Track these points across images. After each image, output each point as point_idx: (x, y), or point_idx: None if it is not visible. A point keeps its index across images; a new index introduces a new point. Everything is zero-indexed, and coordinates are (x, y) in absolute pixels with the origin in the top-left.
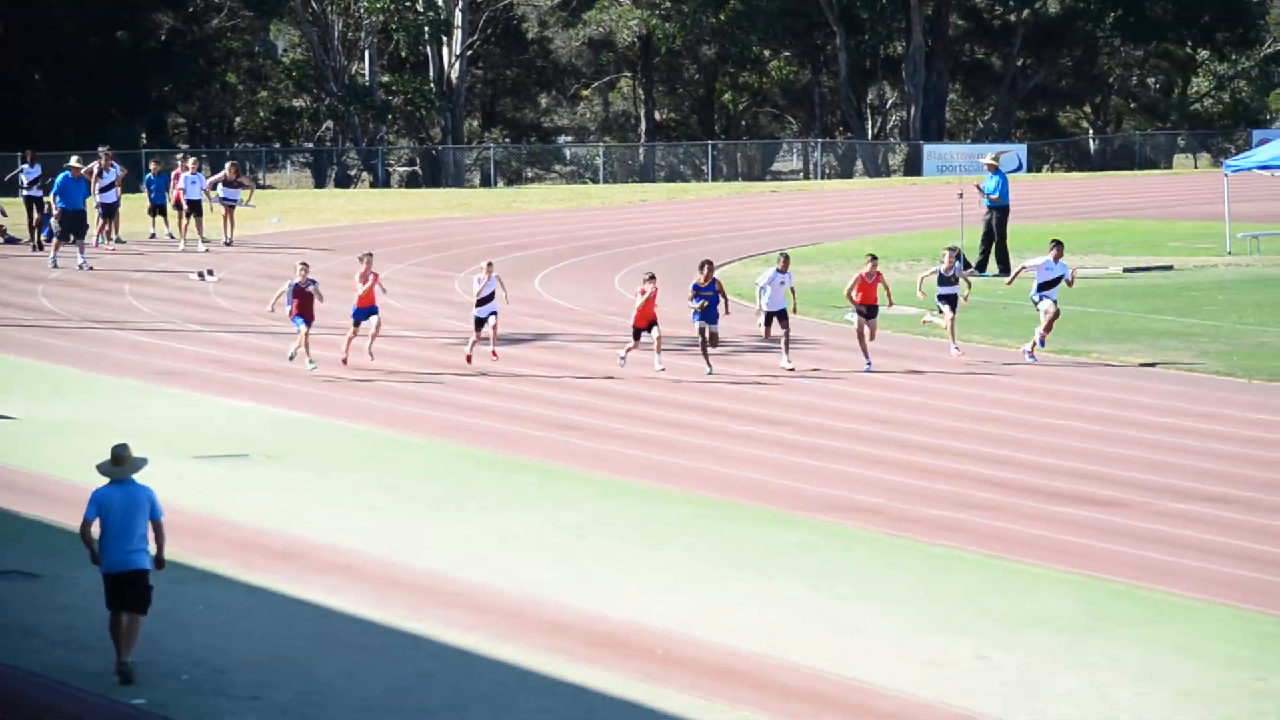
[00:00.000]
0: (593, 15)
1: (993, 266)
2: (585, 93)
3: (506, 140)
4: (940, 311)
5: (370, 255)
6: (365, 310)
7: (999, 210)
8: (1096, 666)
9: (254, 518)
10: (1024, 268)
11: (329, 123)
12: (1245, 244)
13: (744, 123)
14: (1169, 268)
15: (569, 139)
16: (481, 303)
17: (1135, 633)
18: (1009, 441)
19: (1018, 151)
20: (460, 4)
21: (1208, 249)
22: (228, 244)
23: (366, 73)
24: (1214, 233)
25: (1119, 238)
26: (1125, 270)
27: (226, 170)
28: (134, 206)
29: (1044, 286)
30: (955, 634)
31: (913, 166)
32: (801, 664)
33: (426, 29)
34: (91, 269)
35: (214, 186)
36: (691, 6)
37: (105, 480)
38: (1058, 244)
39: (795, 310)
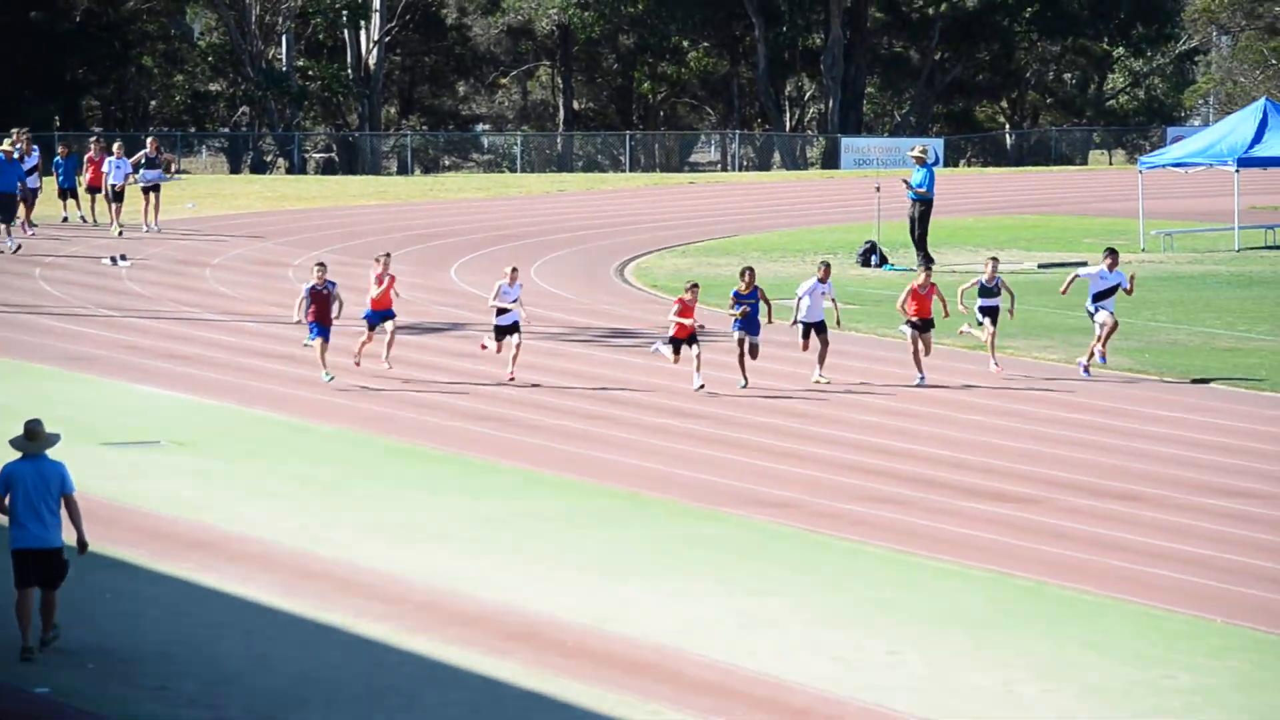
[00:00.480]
0: (511, 3)
1: (911, 260)
2: (503, 81)
3: (424, 128)
4: (980, 324)
5: (388, 255)
6: (380, 313)
7: (924, 203)
8: (1005, 663)
9: (164, 505)
10: (1076, 276)
11: (245, 108)
12: (1159, 241)
13: (662, 113)
14: (1083, 264)
15: (487, 127)
16: (502, 311)
17: (1044, 630)
18: (924, 437)
19: (935, 146)
20: None
21: (1121, 245)
22: (153, 230)
23: (283, 58)
24: (1128, 229)
25: (1034, 233)
26: (1040, 266)
27: (147, 146)
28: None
29: (1099, 297)
30: (866, 630)
31: (830, 159)
32: (713, 658)
33: (344, 14)
34: (17, 250)
35: (136, 168)
36: None
37: (17, 455)
38: (1112, 252)
39: (839, 324)
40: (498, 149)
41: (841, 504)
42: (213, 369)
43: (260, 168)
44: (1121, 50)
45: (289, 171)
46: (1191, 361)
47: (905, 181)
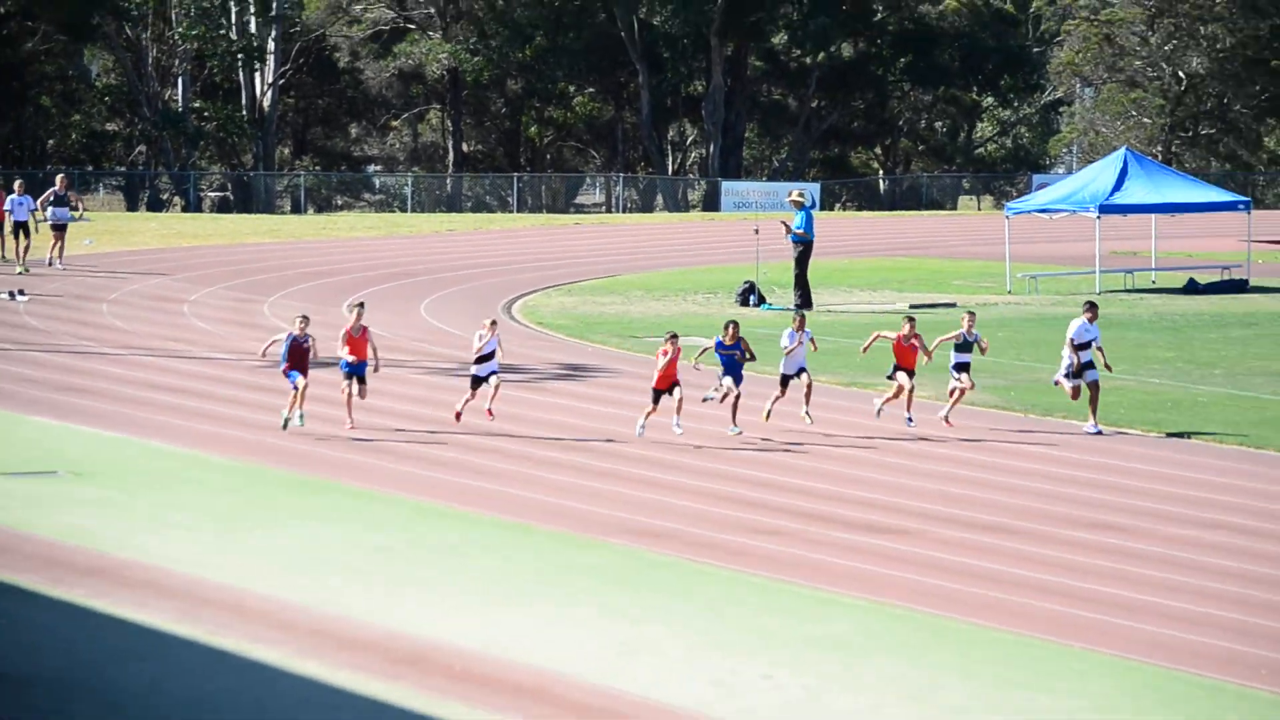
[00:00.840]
0: (403, 48)
1: (789, 299)
2: (395, 123)
3: (317, 168)
4: (957, 379)
5: (361, 305)
6: (355, 366)
7: (804, 245)
8: (874, 687)
9: (60, 534)
10: (1071, 340)
11: (142, 147)
12: (1025, 283)
13: (549, 156)
14: (953, 305)
15: (378, 168)
16: (480, 360)
17: (913, 654)
18: (800, 471)
19: (812, 190)
20: (273, 33)
21: (989, 288)
22: (57, 267)
23: (180, 99)
24: (995, 272)
25: (906, 275)
26: (911, 306)
27: (57, 184)
28: None
29: (1081, 348)
30: (742, 654)
31: (711, 202)
32: (594, 682)
33: (240, 57)
34: None
35: (45, 205)
36: (499, 42)
37: None
38: (1092, 305)
39: (815, 348)
40: (389, 189)
41: (721, 535)
42: (110, 401)
43: (157, 205)
44: (990, 100)
45: (185, 209)
46: (1054, 400)
47: (784, 224)
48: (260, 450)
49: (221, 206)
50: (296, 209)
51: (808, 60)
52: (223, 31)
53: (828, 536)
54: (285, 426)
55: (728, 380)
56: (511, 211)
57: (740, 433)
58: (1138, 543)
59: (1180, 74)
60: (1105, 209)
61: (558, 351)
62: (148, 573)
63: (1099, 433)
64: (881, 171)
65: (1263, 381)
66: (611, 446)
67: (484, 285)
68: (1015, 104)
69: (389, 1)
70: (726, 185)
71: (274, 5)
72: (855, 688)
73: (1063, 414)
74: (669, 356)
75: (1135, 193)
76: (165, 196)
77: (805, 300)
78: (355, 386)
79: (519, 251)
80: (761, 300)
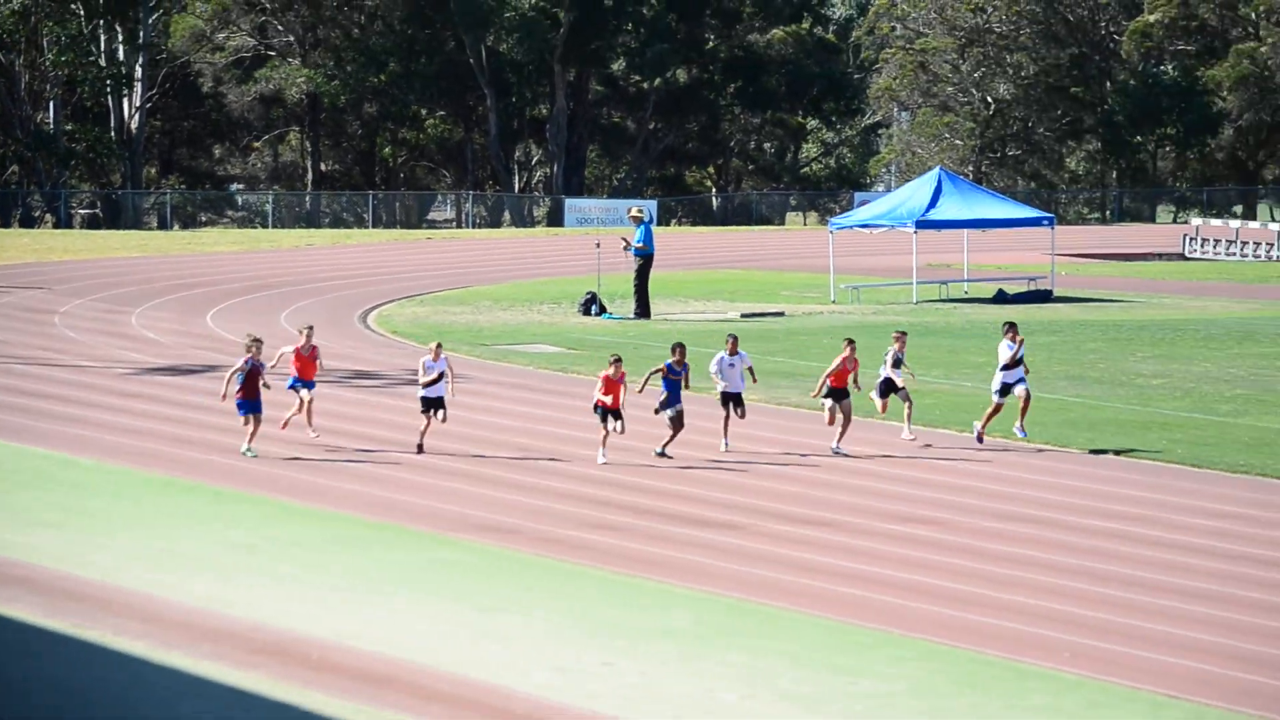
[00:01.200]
0: (264, 73)
1: (628, 309)
2: (256, 145)
3: (182, 186)
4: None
5: (311, 328)
6: (305, 383)
7: (644, 258)
8: (708, 673)
9: None
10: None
11: (15, 166)
12: (848, 294)
13: (402, 175)
14: (781, 314)
15: (241, 187)
16: (430, 384)
17: (744, 643)
18: (639, 470)
19: (649, 206)
20: (140, 59)
21: (815, 298)
22: None
23: (51, 121)
24: (820, 283)
25: (737, 286)
26: (743, 315)
27: None
28: None
29: (1007, 368)
30: (583, 643)
31: (555, 218)
32: (447, 670)
33: (109, 82)
34: None
35: None
36: (355, 68)
37: None
38: (1011, 326)
39: (755, 380)
40: (251, 206)
41: (565, 530)
42: None
43: (29, 222)
44: (814, 123)
45: (56, 226)
46: (871, 403)
47: (625, 240)
48: (124, 452)
49: (91, 223)
50: (163, 225)
51: (645, 85)
52: (92, 58)
53: (666, 532)
54: (247, 452)
55: (666, 413)
56: (367, 227)
57: (663, 454)
58: (954, 535)
59: (989, 99)
60: (921, 224)
61: (411, 358)
62: (15, 569)
63: (1025, 436)
64: (714, 189)
65: (1065, 385)
66: (463, 447)
67: (341, 296)
68: (838, 126)
69: (251, 30)
70: (570, 202)
71: (141, 34)
72: (690, 674)
73: (879, 416)
74: (607, 381)
75: (949, 209)
76: (37, 214)
77: (643, 310)
78: (306, 398)
79: (374, 265)
80: (602, 310)
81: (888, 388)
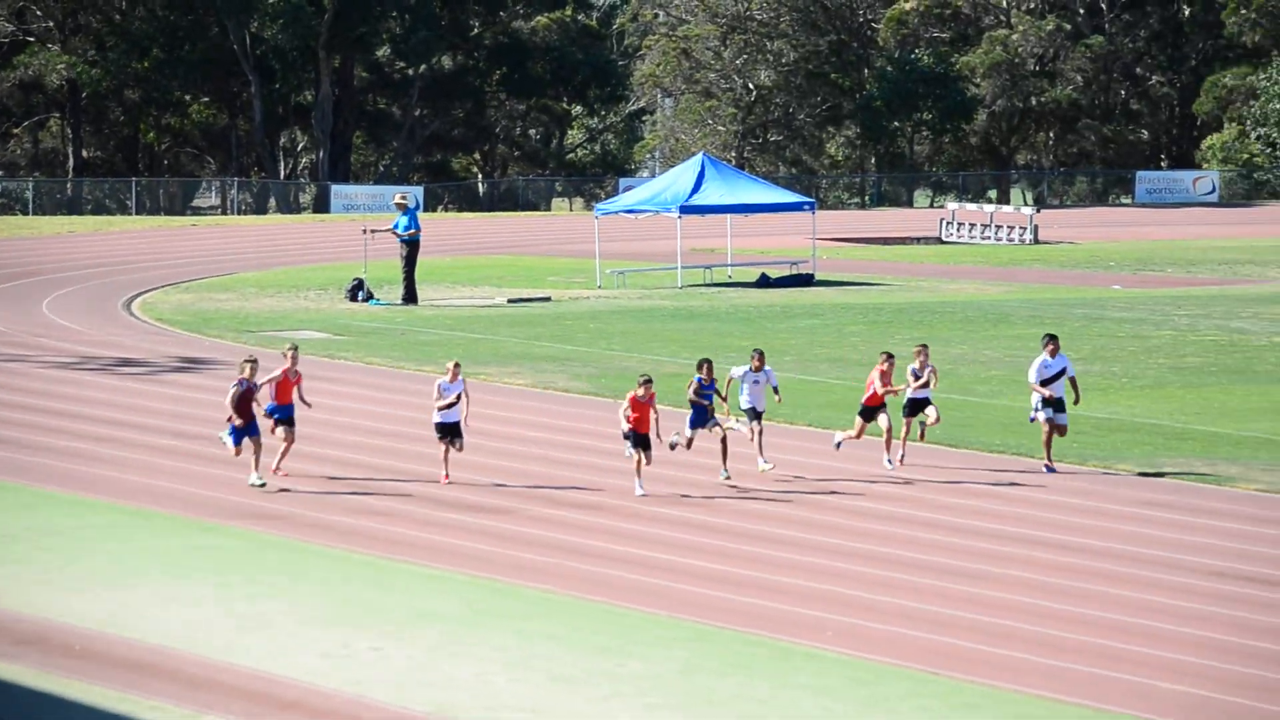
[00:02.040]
0: (23, 59)
1: (396, 295)
2: (15, 131)
3: None
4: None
5: (295, 348)
6: (283, 409)
7: (411, 244)
8: (477, 656)
9: None
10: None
11: None
12: (613, 279)
13: (166, 161)
14: (547, 299)
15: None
16: (446, 408)
17: (513, 625)
18: (409, 455)
19: (416, 193)
20: None
21: (581, 283)
22: None
23: None
24: (587, 268)
25: (504, 272)
26: (509, 301)
27: None
28: None
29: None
30: (352, 628)
31: (321, 204)
32: (211, 657)
33: None
34: None
35: None
36: (117, 54)
37: None
38: (1052, 338)
39: (779, 400)
40: (10, 193)
41: (332, 516)
42: None
43: None
44: (579, 109)
45: None
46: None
47: (392, 229)
48: None
49: None
50: None
51: (410, 72)
52: None
53: (434, 517)
54: (262, 484)
55: (692, 430)
56: (131, 214)
57: (729, 477)
58: (721, 518)
59: (751, 86)
60: (685, 209)
61: (176, 345)
62: None
63: (1052, 471)
64: (481, 175)
65: (827, 367)
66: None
67: (105, 284)
68: (602, 113)
69: (9, 15)
70: (336, 188)
71: None
72: (459, 658)
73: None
74: (635, 403)
75: (712, 194)
76: None
77: (411, 296)
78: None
79: (138, 252)
80: (370, 296)
81: (914, 407)
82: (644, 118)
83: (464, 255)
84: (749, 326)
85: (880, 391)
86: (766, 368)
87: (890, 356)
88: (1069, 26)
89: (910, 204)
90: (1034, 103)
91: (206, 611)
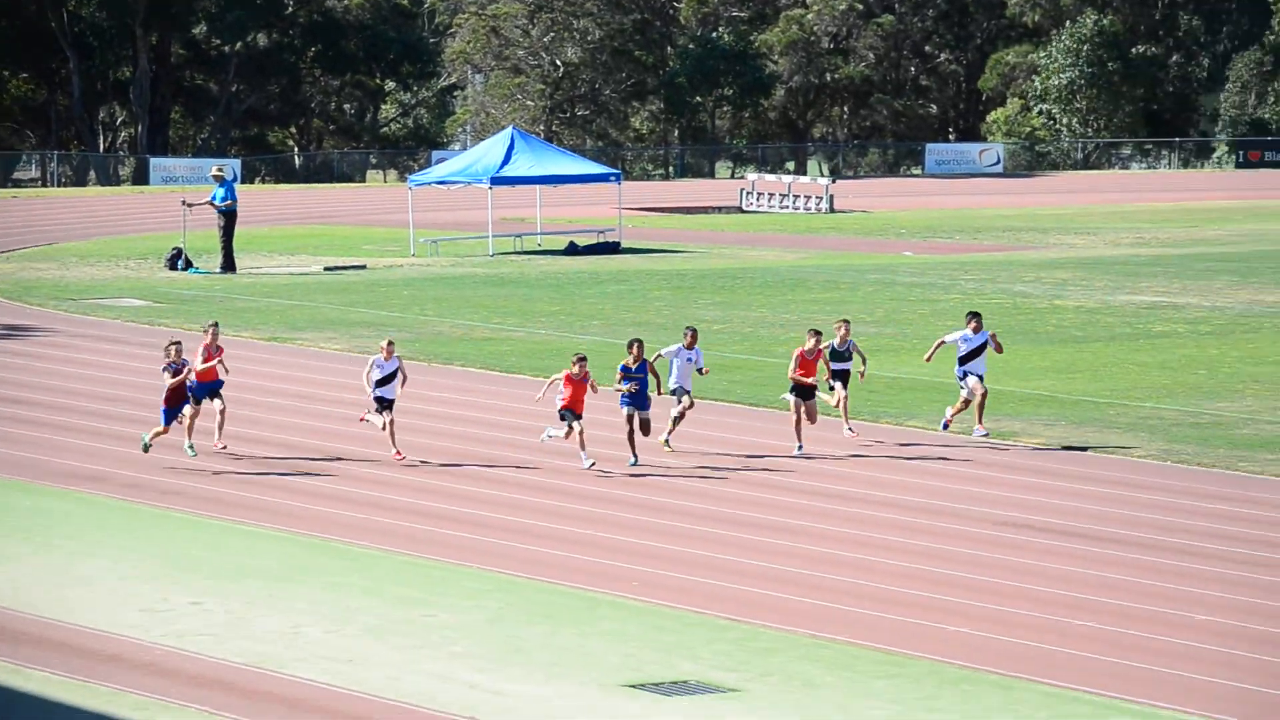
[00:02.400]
0: None
1: (213, 264)
2: None
3: None
4: (831, 389)
5: (216, 325)
6: (205, 386)
7: (228, 215)
8: (294, 609)
9: None
10: (942, 343)
11: None
12: (426, 248)
13: None
14: (363, 267)
15: None
16: (382, 383)
17: (328, 580)
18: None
19: (233, 165)
20: None
21: (395, 251)
22: None
23: None
24: (400, 238)
25: (320, 241)
26: (326, 269)
27: None
28: None
29: (965, 360)
30: (172, 584)
31: (140, 177)
32: (34, 613)
33: None
34: None
35: None
36: None
37: None
38: (975, 315)
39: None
40: None
41: (153, 476)
42: None
43: None
44: (392, 85)
45: None
46: (455, 350)
47: (210, 201)
48: None
49: None
50: None
51: (226, 49)
52: None
53: (252, 476)
54: (192, 452)
55: (685, 400)
56: None
57: (636, 463)
58: (541, 476)
59: (558, 62)
60: (496, 181)
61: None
62: None
63: (986, 435)
64: (297, 149)
65: (634, 331)
66: (49, 397)
67: None
68: (414, 88)
69: None
70: (155, 161)
71: None
72: (278, 611)
73: (460, 363)
74: (569, 380)
75: (522, 166)
76: None
77: (229, 265)
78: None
79: None
80: (189, 265)
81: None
82: (455, 93)
83: (281, 225)
84: (558, 292)
85: (798, 375)
86: (697, 346)
87: (818, 334)
88: (861, 6)
89: (712, 175)
90: (829, 79)
91: (29, 569)
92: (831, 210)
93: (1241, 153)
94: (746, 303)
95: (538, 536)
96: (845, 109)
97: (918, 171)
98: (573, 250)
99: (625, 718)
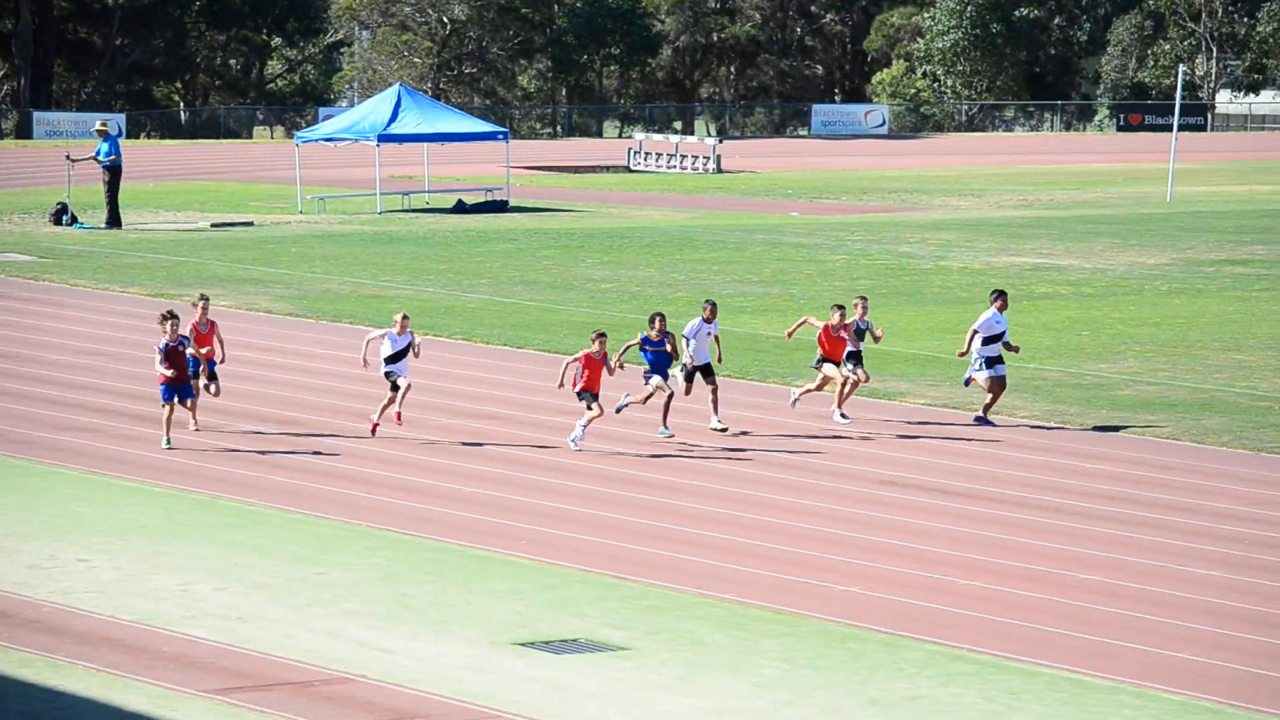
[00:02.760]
0: None
1: (98, 219)
2: None
3: None
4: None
5: (206, 299)
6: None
7: (113, 170)
8: (183, 567)
9: None
10: (975, 331)
11: None
12: (314, 205)
13: None
14: (250, 224)
15: None
16: (393, 359)
17: (217, 537)
18: (107, 372)
19: (118, 120)
20: None
21: (282, 208)
22: None
23: None
24: (288, 194)
25: (207, 197)
26: (213, 225)
27: None
28: None
29: (989, 342)
30: (59, 541)
31: (24, 131)
32: None
33: None
34: None
35: None
36: None
37: None
38: (1001, 294)
39: (720, 360)
40: None
41: (38, 433)
42: None
43: None
44: (279, 41)
45: None
46: (342, 307)
47: (94, 156)
48: None
49: None
50: None
51: (110, 2)
52: None
53: (138, 432)
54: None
55: (655, 379)
56: None
57: (672, 435)
58: (418, 432)
59: (445, 20)
60: (383, 138)
61: None
62: None
63: (986, 424)
64: (182, 104)
65: (521, 289)
66: None
67: None
68: (301, 45)
69: None
70: (38, 115)
71: None
72: (165, 568)
73: (348, 320)
74: (589, 359)
75: (409, 124)
76: None
77: (114, 220)
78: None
79: None
80: (74, 220)
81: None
82: (342, 50)
83: (167, 181)
84: (446, 250)
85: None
86: (716, 320)
87: (842, 309)
88: None
89: (600, 134)
90: (715, 39)
91: None
92: (719, 170)
93: (1122, 116)
94: (634, 262)
95: (429, 495)
96: (732, 69)
97: (804, 132)
98: (460, 209)
99: (513, 676)
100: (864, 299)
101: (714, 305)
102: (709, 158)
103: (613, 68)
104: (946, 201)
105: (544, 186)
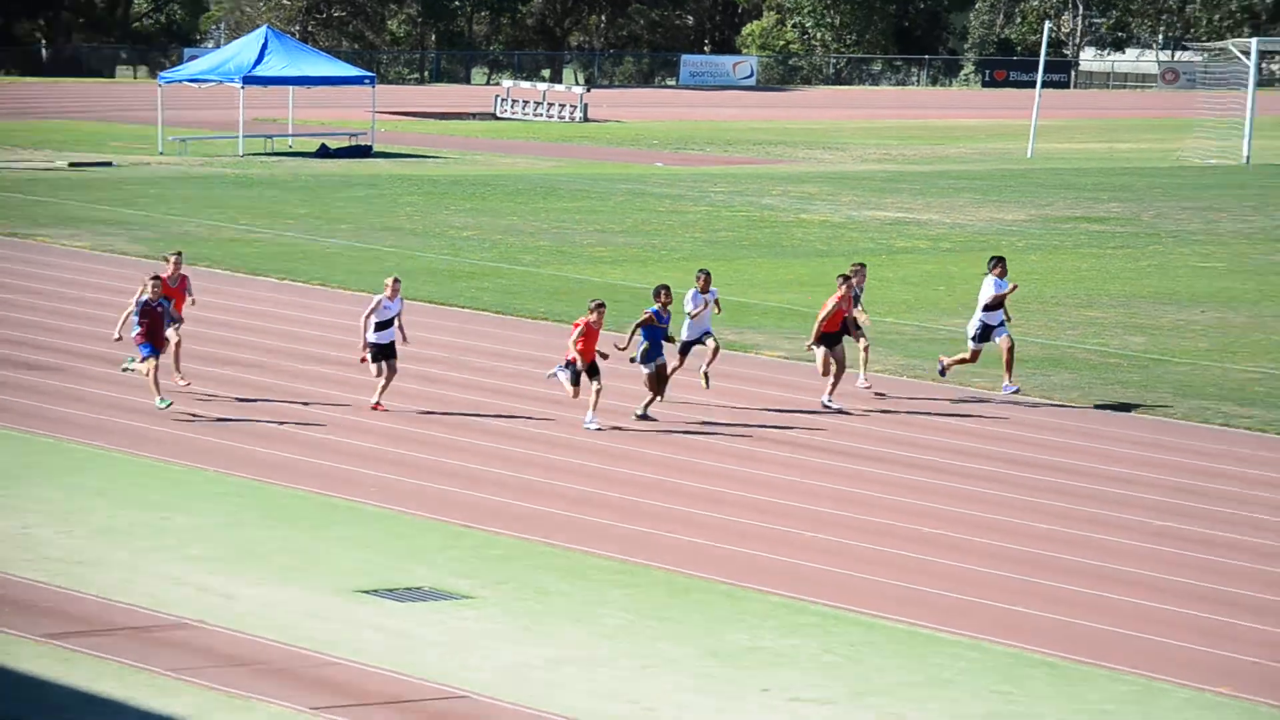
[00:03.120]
0: None
1: None
2: None
3: None
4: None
5: (179, 254)
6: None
7: None
8: (23, 510)
9: None
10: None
11: None
12: (175, 146)
13: None
14: (109, 164)
15: None
16: (381, 327)
17: (58, 480)
18: (15, 323)
19: None
20: None
21: (143, 149)
22: None
23: None
24: (149, 135)
25: (66, 136)
26: (70, 165)
27: None
28: None
29: (990, 308)
30: None
31: None
32: None
33: None
34: None
35: None
36: None
37: None
38: (999, 260)
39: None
40: None
41: None
42: None
43: None
44: None
45: None
46: (200, 250)
47: None
48: None
49: None
50: None
51: None
52: None
53: (26, 380)
54: (165, 406)
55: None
56: None
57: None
58: (283, 380)
59: None
60: (248, 80)
61: None
62: None
63: (1016, 391)
64: (44, 41)
65: (383, 235)
66: None
67: None
68: None
69: None
70: None
71: None
72: (7, 511)
73: (205, 264)
74: (589, 330)
75: (275, 66)
76: None
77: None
78: (173, 338)
79: None
80: None
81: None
82: None
83: (25, 120)
84: (307, 195)
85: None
86: (713, 288)
87: (847, 279)
88: None
89: (468, 81)
90: None
91: None
92: (586, 120)
93: (988, 72)
94: (497, 209)
95: (276, 440)
96: (603, 18)
97: (672, 83)
98: (324, 153)
99: (356, 623)
100: (861, 265)
101: (707, 274)
102: (576, 106)
103: (483, 14)
104: (811, 154)
105: (409, 132)
